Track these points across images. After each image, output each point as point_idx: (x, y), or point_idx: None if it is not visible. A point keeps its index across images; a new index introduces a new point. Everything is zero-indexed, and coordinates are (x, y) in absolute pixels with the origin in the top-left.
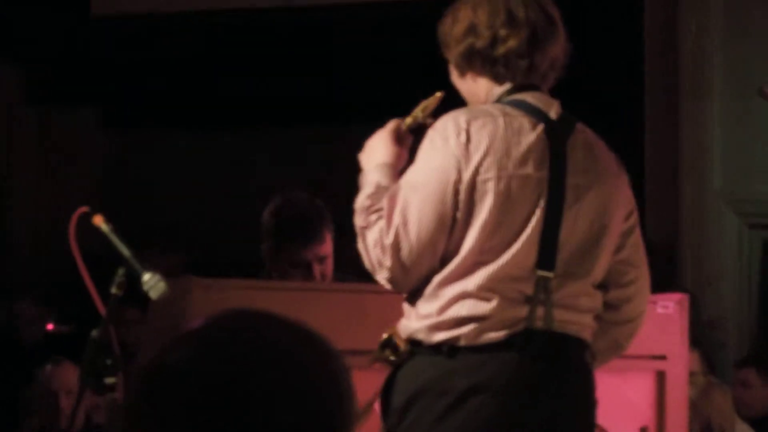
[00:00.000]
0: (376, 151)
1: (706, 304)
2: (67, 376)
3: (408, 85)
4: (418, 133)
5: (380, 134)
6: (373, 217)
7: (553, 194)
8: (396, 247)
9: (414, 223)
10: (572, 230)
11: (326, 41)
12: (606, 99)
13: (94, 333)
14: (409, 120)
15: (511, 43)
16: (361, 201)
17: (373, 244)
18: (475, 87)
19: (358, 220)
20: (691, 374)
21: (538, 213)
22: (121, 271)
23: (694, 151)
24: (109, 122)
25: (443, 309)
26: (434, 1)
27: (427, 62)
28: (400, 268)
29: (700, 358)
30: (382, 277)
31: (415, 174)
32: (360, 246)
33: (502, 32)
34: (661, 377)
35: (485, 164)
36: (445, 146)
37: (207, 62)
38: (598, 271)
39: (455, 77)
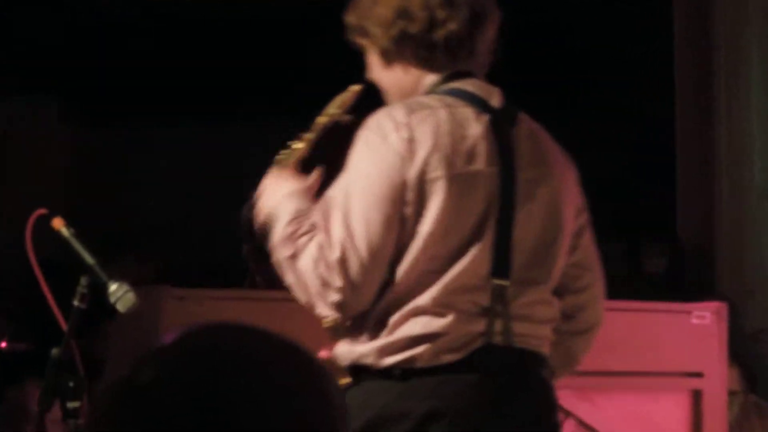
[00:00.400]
0: (278, 187)
1: (746, 314)
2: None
3: None
4: (335, 135)
5: (272, 174)
6: (303, 239)
7: (504, 192)
8: (344, 263)
9: (362, 236)
10: (526, 231)
11: (315, 31)
12: (632, 86)
13: (55, 351)
14: (323, 119)
15: (452, 25)
16: (280, 231)
17: (314, 265)
18: (404, 78)
19: (283, 251)
20: (731, 393)
21: (490, 214)
22: (84, 281)
23: (730, 141)
24: (72, 116)
25: (394, 328)
26: None
27: None
28: (350, 288)
29: (740, 375)
30: (329, 301)
31: (352, 181)
32: (290, 278)
33: (440, 14)
34: (697, 397)
35: (432, 162)
36: (385, 144)
37: (182, 49)
38: (556, 276)
39: (378, 68)
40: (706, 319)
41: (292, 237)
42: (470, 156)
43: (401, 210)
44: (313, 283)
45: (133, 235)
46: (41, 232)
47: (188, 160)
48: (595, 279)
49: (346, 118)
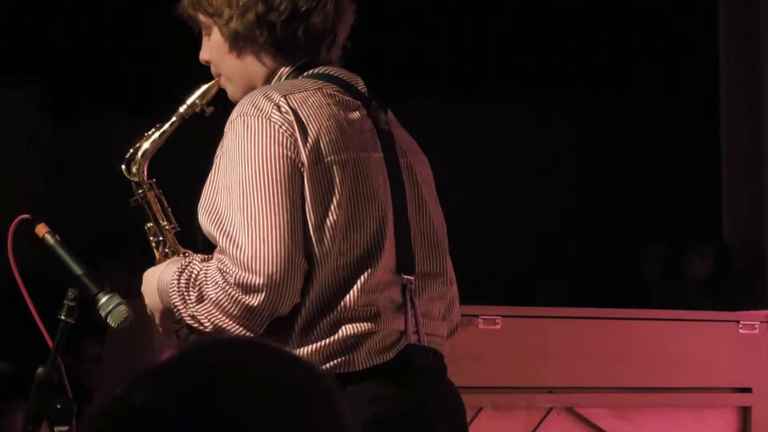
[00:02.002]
0: (156, 270)
1: None
2: None
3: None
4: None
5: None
6: (200, 276)
7: (393, 178)
8: (259, 260)
9: (270, 225)
10: (419, 219)
11: None
12: (675, 81)
13: (41, 371)
14: (184, 109)
15: (315, 19)
16: (176, 292)
17: (223, 282)
18: (254, 66)
19: (188, 303)
20: None
21: (387, 204)
22: (71, 293)
23: None
24: (55, 105)
25: (323, 333)
26: None
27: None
28: (272, 285)
29: None
30: (254, 302)
31: (241, 172)
32: (208, 320)
33: (303, 3)
34: (745, 414)
35: (323, 145)
36: (269, 124)
37: (177, 29)
38: (449, 264)
39: (221, 51)
40: (755, 329)
41: (188, 284)
42: (358, 140)
43: (302, 192)
44: (231, 299)
45: (119, 240)
46: (22, 238)
47: (179, 156)
48: (453, 275)
49: (210, 109)
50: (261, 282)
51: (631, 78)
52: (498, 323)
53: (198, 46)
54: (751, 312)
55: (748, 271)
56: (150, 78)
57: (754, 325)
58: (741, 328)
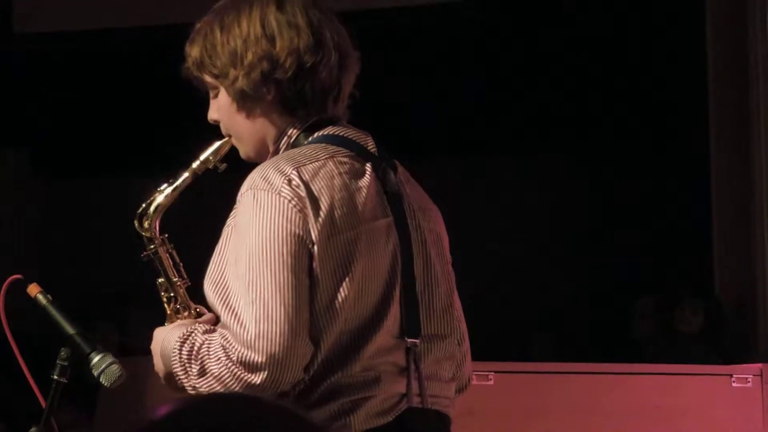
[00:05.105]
0: (163, 331)
1: None
2: None
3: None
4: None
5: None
6: (203, 349)
7: (402, 243)
8: (262, 338)
9: (276, 303)
10: (426, 281)
11: None
12: (666, 130)
13: (34, 430)
14: (196, 164)
15: (321, 73)
16: (177, 361)
17: (226, 358)
18: (263, 125)
19: (190, 375)
20: None
21: (395, 269)
22: (64, 353)
23: None
24: (41, 168)
25: (322, 399)
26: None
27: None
28: (274, 363)
29: None
30: (256, 380)
31: (250, 246)
32: (205, 391)
33: (309, 59)
34: None
35: (335, 219)
36: (279, 200)
37: (162, 91)
38: (459, 325)
39: (229, 111)
40: (748, 382)
41: (191, 356)
42: (369, 209)
43: (310, 270)
44: (233, 376)
45: (110, 299)
46: (14, 298)
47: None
48: (465, 331)
49: (223, 166)
50: (263, 361)
51: (623, 137)
52: (491, 379)
53: (205, 105)
54: (744, 365)
55: (741, 325)
56: (145, 138)
57: (747, 378)
58: (734, 381)
